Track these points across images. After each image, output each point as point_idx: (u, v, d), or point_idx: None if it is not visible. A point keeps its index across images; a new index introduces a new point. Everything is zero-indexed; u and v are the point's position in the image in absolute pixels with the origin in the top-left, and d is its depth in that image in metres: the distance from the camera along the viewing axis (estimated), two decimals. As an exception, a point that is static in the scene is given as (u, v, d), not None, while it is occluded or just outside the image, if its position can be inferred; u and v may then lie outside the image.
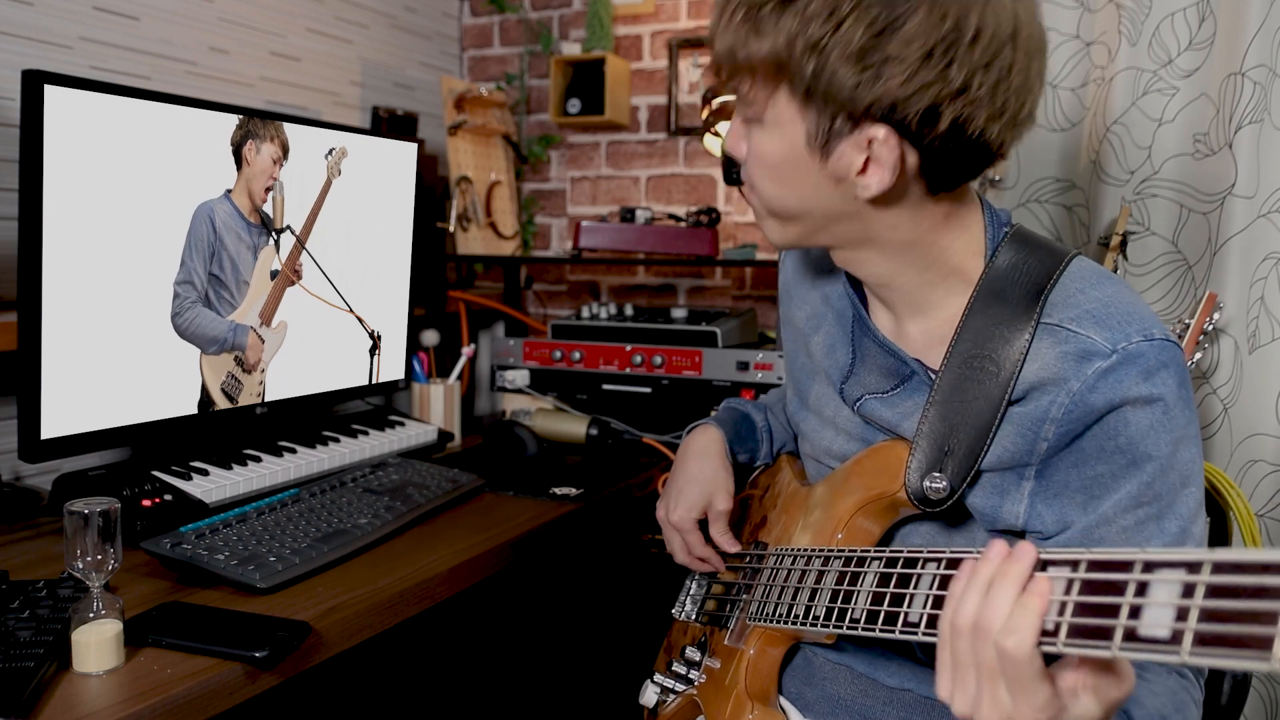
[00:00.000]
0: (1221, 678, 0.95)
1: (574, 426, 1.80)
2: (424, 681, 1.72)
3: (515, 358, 1.96)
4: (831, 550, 0.86)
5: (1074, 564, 0.58)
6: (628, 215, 2.06)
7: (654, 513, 1.12)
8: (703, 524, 1.08)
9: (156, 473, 1.28)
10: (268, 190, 1.44)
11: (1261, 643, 0.46)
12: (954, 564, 0.70)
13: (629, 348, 1.87)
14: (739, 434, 1.15)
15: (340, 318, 1.63)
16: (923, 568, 0.73)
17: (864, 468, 0.92)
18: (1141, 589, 0.53)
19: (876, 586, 0.77)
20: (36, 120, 1.10)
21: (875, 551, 0.80)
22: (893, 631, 0.74)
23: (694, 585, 1.12)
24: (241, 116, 1.37)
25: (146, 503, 1.20)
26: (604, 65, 2.18)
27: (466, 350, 1.93)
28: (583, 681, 1.87)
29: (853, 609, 0.79)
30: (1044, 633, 0.58)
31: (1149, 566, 0.53)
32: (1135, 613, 0.53)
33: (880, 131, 0.76)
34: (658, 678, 1.06)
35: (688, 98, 2.28)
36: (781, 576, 0.93)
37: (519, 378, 1.94)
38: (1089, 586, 0.57)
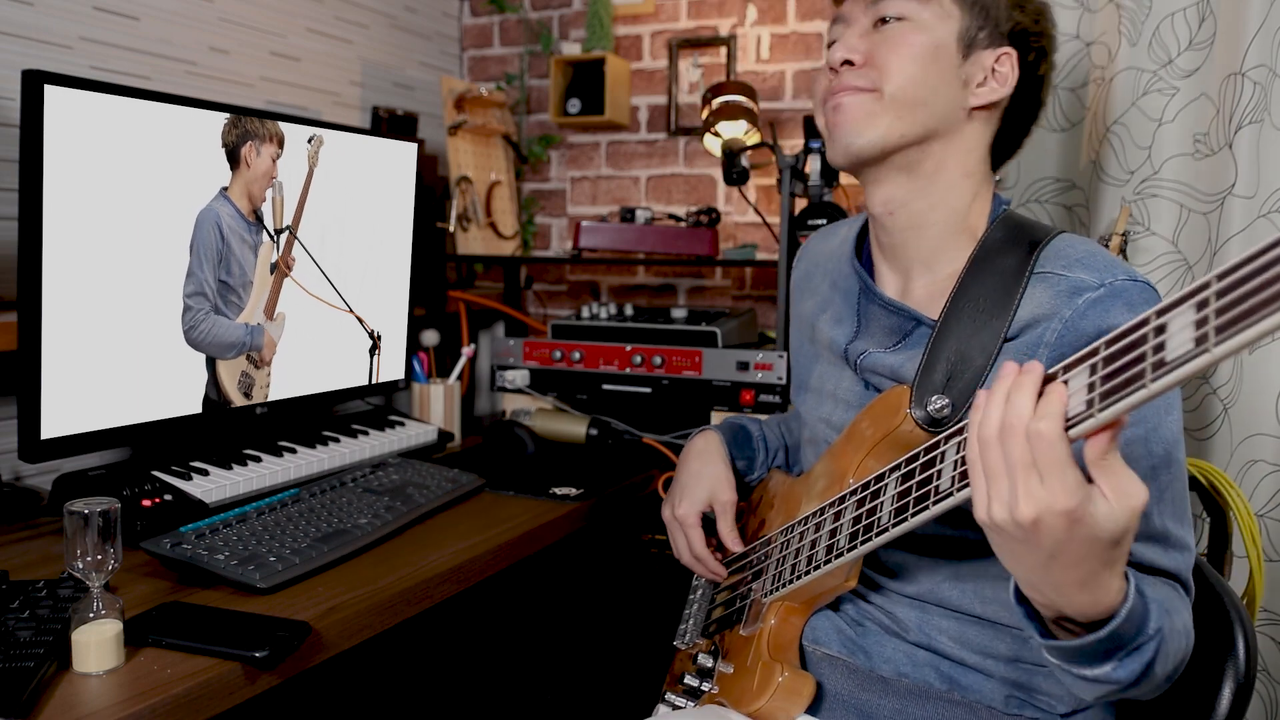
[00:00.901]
0: (1220, 681, 0.95)
1: (574, 426, 1.80)
2: (424, 681, 1.72)
3: (515, 358, 1.96)
4: (844, 492, 0.89)
5: (1092, 353, 0.63)
6: (628, 215, 2.06)
7: (654, 513, 1.14)
8: (708, 528, 1.10)
9: (156, 473, 1.28)
10: (266, 190, 1.44)
11: (1274, 299, 0.49)
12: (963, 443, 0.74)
13: (629, 348, 1.87)
14: (736, 440, 1.20)
15: (339, 317, 1.63)
16: (945, 443, 0.76)
17: (865, 419, 0.95)
18: (1160, 331, 0.57)
19: (899, 487, 0.81)
20: (36, 120, 1.10)
21: (889, 468, 0.83)
22: (926, 507, 0.76)
23: (694, 608, 1.13)
24: (233, 116, 1.37)
25: (146, 503, 1.20)
26: (604, 65, 2.18)
27: (466, 350, 1.93)
28: (582, 681, 1.87)
29: (879, 518, 0.82)
30: (1073, 419, 0.63)
31: (1161, 313, 0.57)
32: (1159, 349, 0.57)
33: (1012, 51, 0.95)
34: (669, 696, 1.06)
35: (688, 98, 2.28)
36: (795, 541, 0.95)
37: (519, 378, 1.94)
38: (1110, 359, 0.61)
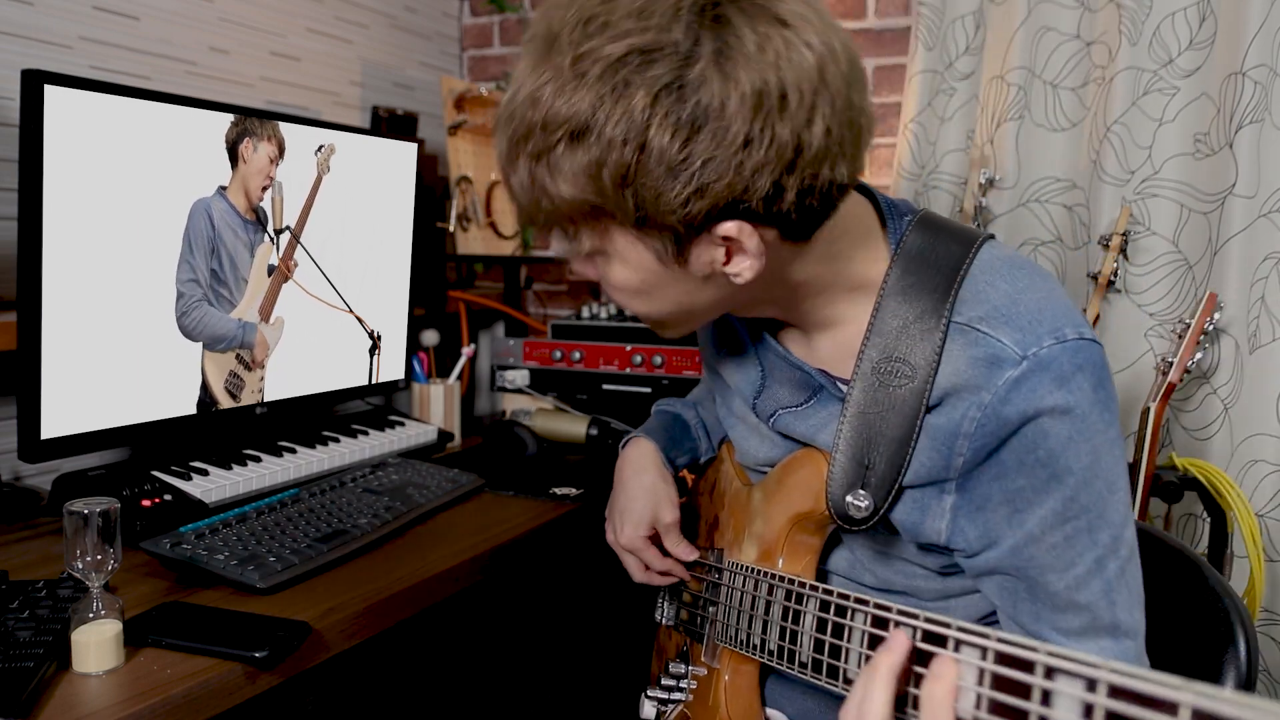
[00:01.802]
0: (1221, 682, 0.95)
1: (574, 426, 1.80)
2: (424, 681, 1.72)
3: (515, 358, 1.96)
4: (774, 578, 0.87)
5: (984, 651, 0.58)
6: (628, 215, 2.05)
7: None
8: (656, 539, 1.06)
9: (156, 473, 1.28)
10: (264, 189, 1.44)
11: None
12: (878, 622, 0.70)
13: (629, 347, 1.87)
14: (672, 438, 1.12)
15: (339, 317, 1.63)
16: (852, 619, 0.73)
17: (788, 482, 0.91)
18: (1046, 699, 0.54)
19: (816, 631, 0.78)
20: (36, 120, 1.10)
21: (810, 588, 0.81)
22: (836, 686, 0.75)
23: (668, 589, 1.12)
24: (236, 115, 1.37)
25: (146, 503, 1.20)
26: (604, 65, 2.18)
27: (466, 350, 1.93)
28: (582, 682, 1.87)
29: (799, 651, 0.80)
30: None
31: (1049, 674, 0.54)
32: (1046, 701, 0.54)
33: (731, 226, 0.70)
34: (652, 692, 1.06)
35: (688, 98, 2.27)
36: (737, 598, 0.93)
37: (519, 378, 1.94)
38: (998, 680, 0.57)
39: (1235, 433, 1.51)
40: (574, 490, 1.49)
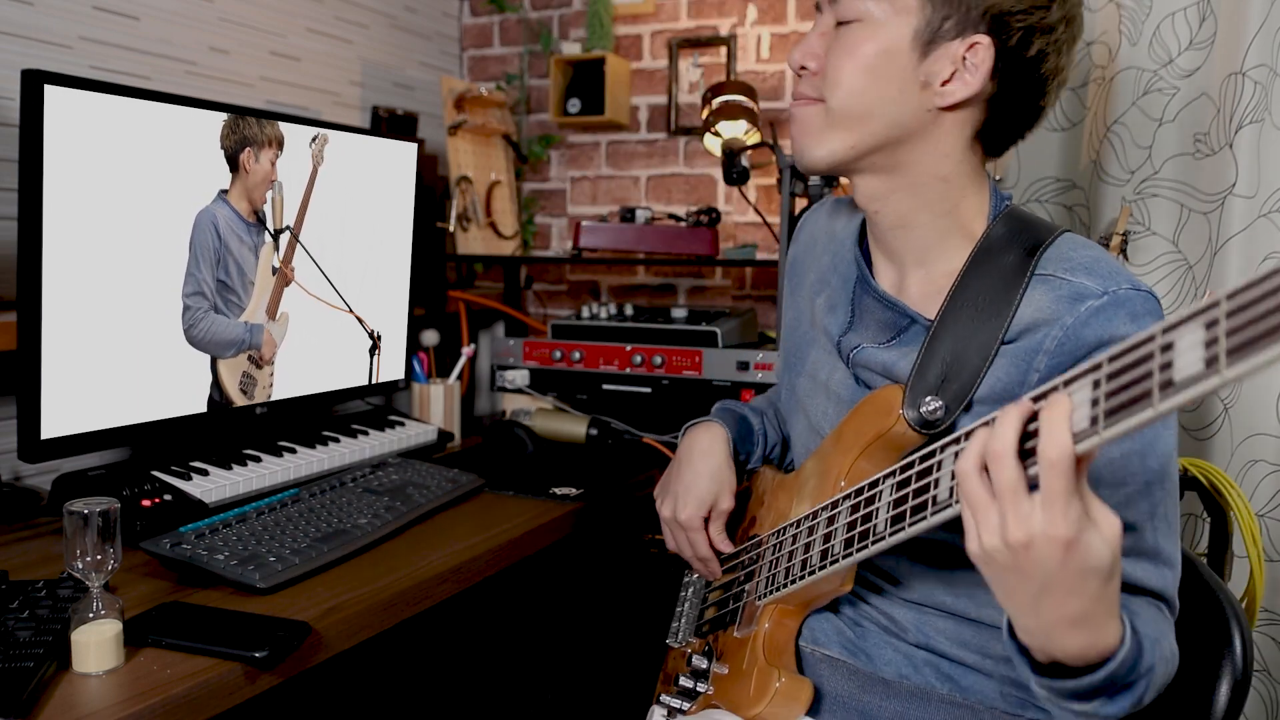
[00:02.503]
0: (1217, 679, 0.95)
1: (574, 426, 1.80)
2: (424, 681, 1.72)
3: (515, 358, 1.96)
4: (838, 496, 0.88)
5: (1095, 367, 0.61)
6: (628, 215, 2.06)
7: (654, 513, 1.12)
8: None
9: (156, 473, 1.28)
10: (267, 191, 1.44)
11: None
12: (968, 436, 0.71)
13: (629, 348, 1.87)
14: (740, 434, 1.14)
15: (339, 317, 1.63)
16: (942, 452, 0.75)
17: (857, 418, 0.93)
18: (1167, 349, 0.55)
19: (895, 494, 0.79)
20: (36, 120, 1.10)
21: (884, 474, 0.82)
22: (924, 517, 0.75)
23: (686, 606, 1.12)
24: (230, 118, 1.37)
25: (146, 503, 1.20)
26: (604, 65, 2.18)
27: (466, 350, 1.93)
28: (583, 682, 1.87)
29: (874, 526, 0.81)
30: (1076, 435, 0.60)
31: (1168, 330, 0.55)
32: (1166, 368, 0.54)
33: (985, 40, 0.84)
34: (664, 698, 1.05)
35: (688, 97, 2.28)
36: (788, 544, 0.94)
37: (519, 378, 1.94)
38: (1114, 375, 0.58)
39: (1235, 433, 1.51)
40: (574, 490, 1.49)
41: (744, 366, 1.79)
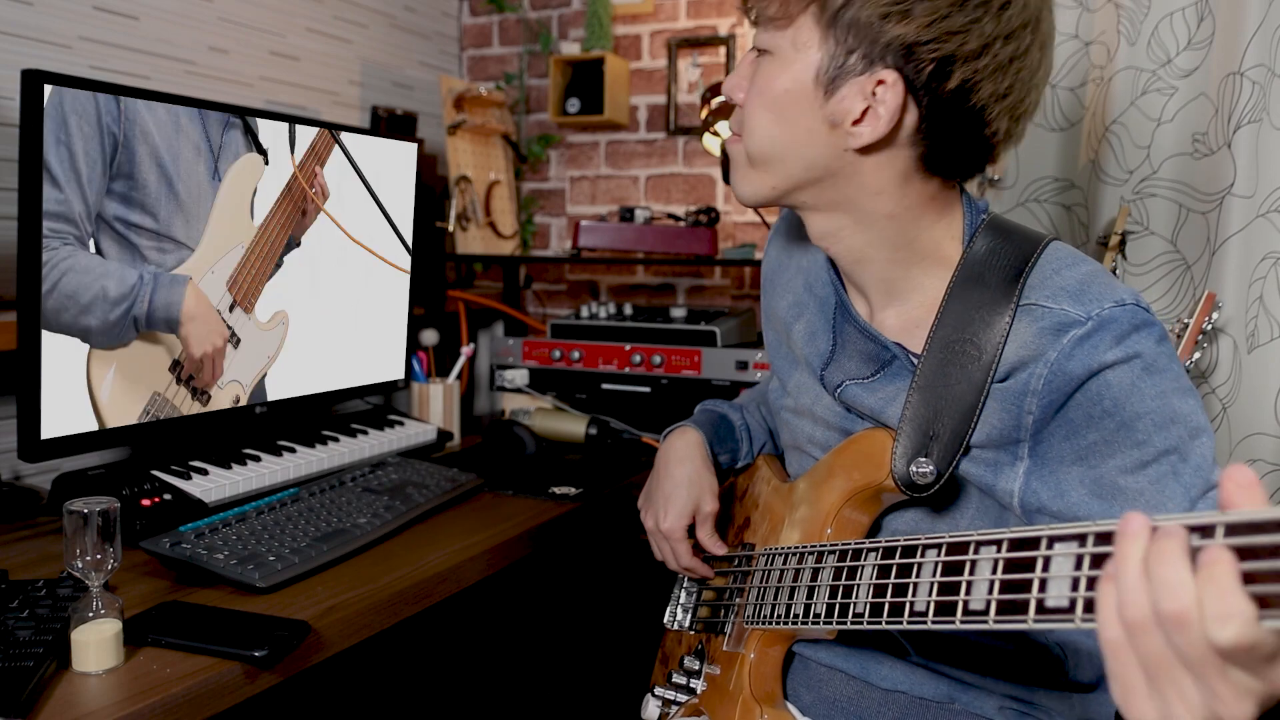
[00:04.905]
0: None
1: (573, 426, 1.80)
2: (423, 681, 1.72)
3: (514, 357, 1.96)
4: (824, 545, 0.86)
5: (1080, 537, 0.56)
6: (627, 215, 2.06)
7: None
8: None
9: (156, 472, 1.28)
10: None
11: None
12: (955, 549, 0.69)
13: (628, 347, 1.87)
14: (718, 435, 1.13)
15: (339, 316, 1.62)
16: (922, 555, 0.72)
17: (847, 458, 0.91)
18: None
19: (877, 579, 0.77)
20: (36, 120, 1.10)
21: (870, 542, 0.79)
22: (900, 622, 0.73)
23: (683, 593, 1.12)
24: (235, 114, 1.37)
25: (146, 502, 1.20)
26: (603, 65, 2.18)
27: (466, 350, 1.93)
28: (582, 681, 1.87)
29: (854, 603, 0.79)
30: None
31: None
32: None
33: (890, 75, 0.76)
34: (659, 690, 1.05)
35: (687, 97, 2.28)
36: (775, 577, 0.92)
37: (518, 377, 1.94)
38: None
39: (1234, 432, 1.51)
40: (573, 490, 1.49)
41: (743, 366, 1.79)
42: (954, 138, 0.80)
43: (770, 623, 0.91)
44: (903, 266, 0.87)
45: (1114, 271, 1.59)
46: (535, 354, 1.94)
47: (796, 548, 0.90)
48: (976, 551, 0.67)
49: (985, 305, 0.82)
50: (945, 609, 0.69)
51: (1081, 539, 0.58)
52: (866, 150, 0.81)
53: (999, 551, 0.65)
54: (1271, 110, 1.45)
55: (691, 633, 1.07)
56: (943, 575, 0.70)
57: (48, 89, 1.11)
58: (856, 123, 0.79)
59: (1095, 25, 1.65)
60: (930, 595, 0.70)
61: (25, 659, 0.83)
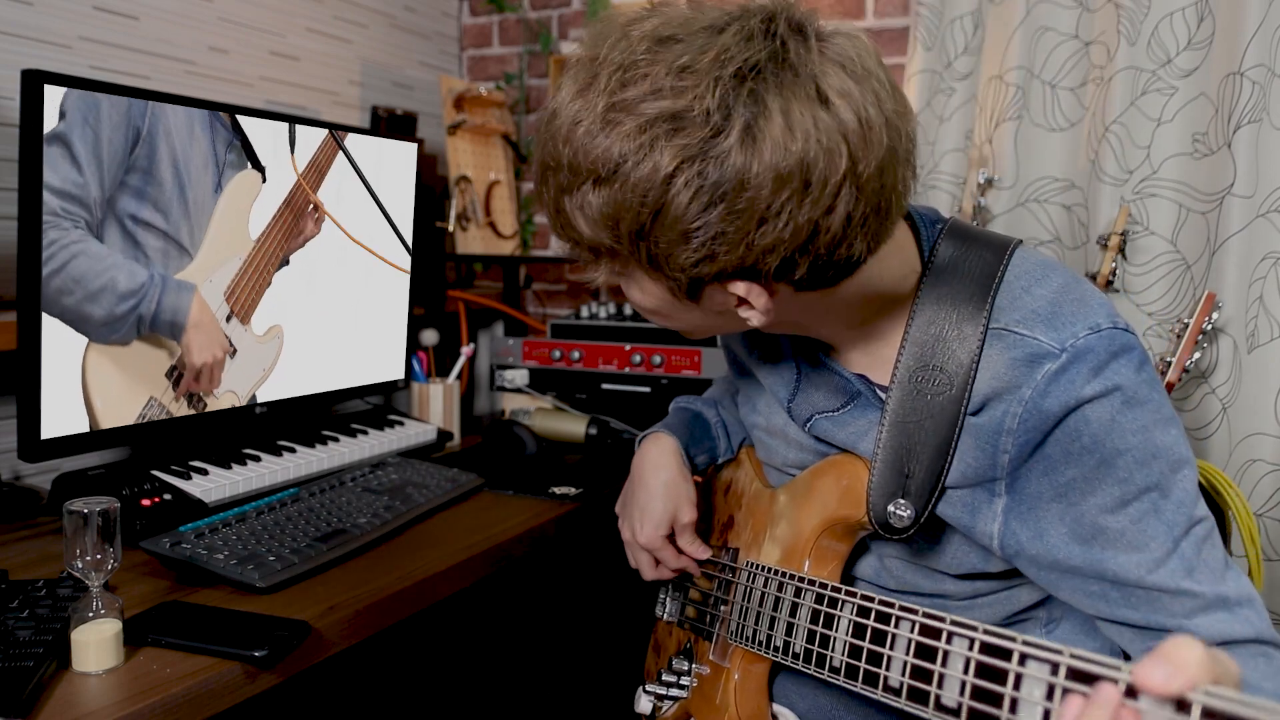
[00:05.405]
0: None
1: (573, 426, 1.80)
2: (423, 681, 1.72)
3: (514, 357, 1.96)
4: (803, 580, 0.86)
5: (1054, 665, 0.57)
6: (627, 215, 2.05)
7: None
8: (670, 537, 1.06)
9: (156, 472, 1.28)
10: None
11: None
12: (927, 631, 0.69)
13: (628, 347, 1.87)
14: (693, 435, 1.11)
15: (338, 316, 1.62)
16: (896, 626, 0.72)
17: (825, 485, 0.90)
18: None
19: (852, 636, 0.77)
20: (36, 120, 1.10)
21: (846, 592, 0.79)
22: (875, 692, 0.73)
23: (670, 585, 1.12)
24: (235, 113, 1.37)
25: (146, 502, 1.20)
26: (603, 65, 2.18)
27: (466, 350, 1.93)
28: (582, 681, 1.87)
29: (831, 655, 0.79)
30: None
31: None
32: None
33: (740, 286, 0.73)
34: (650, 687, 1.06)
35: (687, 97, 2.27)
36: (756, 598, 0.92)
37: (518, 377, 1.94)
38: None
39: (1234, 432, 1.51)
40: (573, 489, 1.50)
41: (743, 366, 1.79)
42: (836, 274, 0.73)
43: (751, 646, 0.91)
44: (861, 322, 0.85)
45: (1114, 272, 1.59)
46: (535, 354, 1.94)
47: (778, 572, 0.90)
48: (949, 641, 0.67)
49: (952, 328, 0.80)
50: (918, 695, 0.69)
51: (1055, 667, 0.59)
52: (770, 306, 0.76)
53: (971, 650, 0.65)
54: (1271, 110, 1.45)
55: (681, 628, 1.08)
56: (915, 656, 0.70)
57: (49, 90, 1.10)
58: (737, 307, 0.76)
59: (1095, 25, 1.65)
60: (904, 675, 0.70)
61: (25, 659, 0.83)
